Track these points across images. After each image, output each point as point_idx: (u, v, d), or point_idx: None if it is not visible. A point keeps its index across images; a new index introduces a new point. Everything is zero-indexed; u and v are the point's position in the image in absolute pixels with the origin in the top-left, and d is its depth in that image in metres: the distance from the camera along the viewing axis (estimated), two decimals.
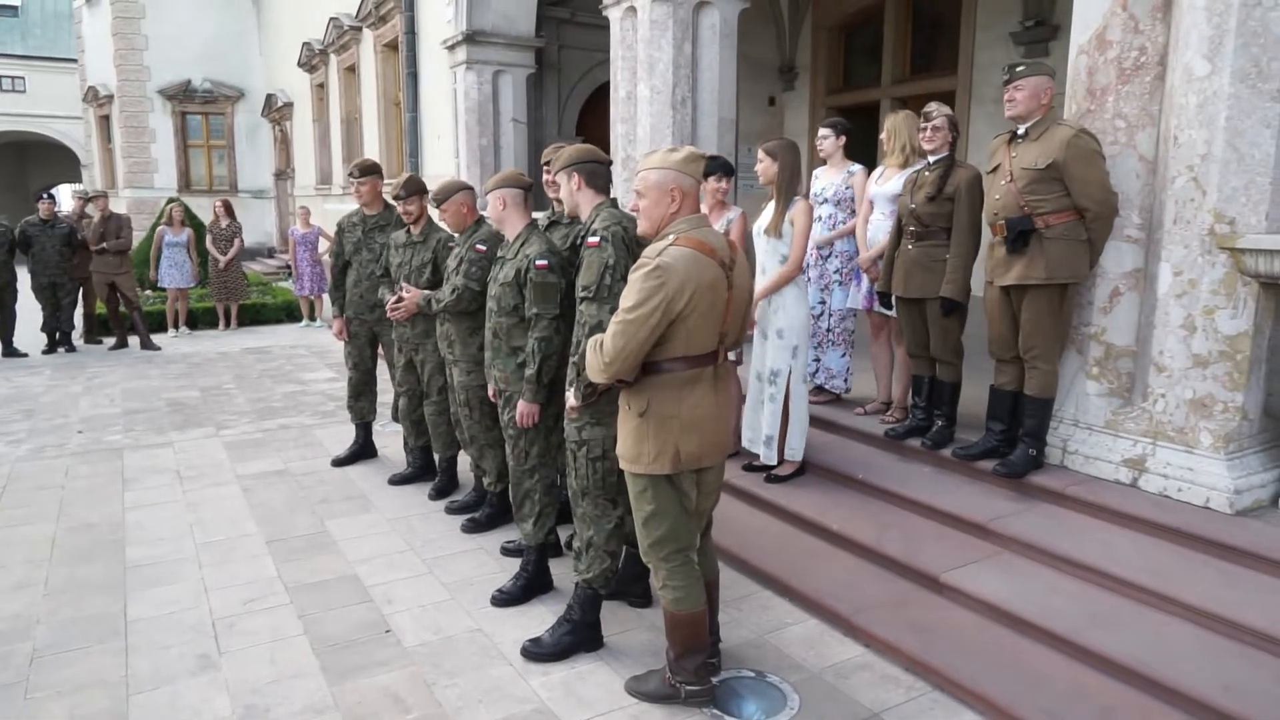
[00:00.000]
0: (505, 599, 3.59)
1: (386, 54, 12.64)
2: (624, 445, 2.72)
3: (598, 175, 3.20)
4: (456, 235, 4.31)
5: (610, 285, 2.95)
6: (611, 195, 3.27)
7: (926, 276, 4.02)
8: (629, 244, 3.04)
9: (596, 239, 3.00)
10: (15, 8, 32.18)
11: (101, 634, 3.39)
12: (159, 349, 9.60)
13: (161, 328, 10.67)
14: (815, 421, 4.53)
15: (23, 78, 31.23)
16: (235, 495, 4.90)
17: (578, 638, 3.20)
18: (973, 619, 3.17)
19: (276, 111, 18.68)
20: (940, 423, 4.18)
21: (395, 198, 4.67)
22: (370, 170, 5.21)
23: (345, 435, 5.79)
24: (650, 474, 2.66)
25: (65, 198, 33.89)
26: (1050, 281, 3.52)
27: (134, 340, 9.74)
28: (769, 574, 3.68)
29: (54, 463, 5.57)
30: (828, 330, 4.83)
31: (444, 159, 10.23)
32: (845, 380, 4.96)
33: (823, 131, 4.83)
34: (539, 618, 3.47)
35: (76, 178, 31.49)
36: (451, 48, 9.71)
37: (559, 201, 3.80)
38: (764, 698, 2.90)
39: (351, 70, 14.21)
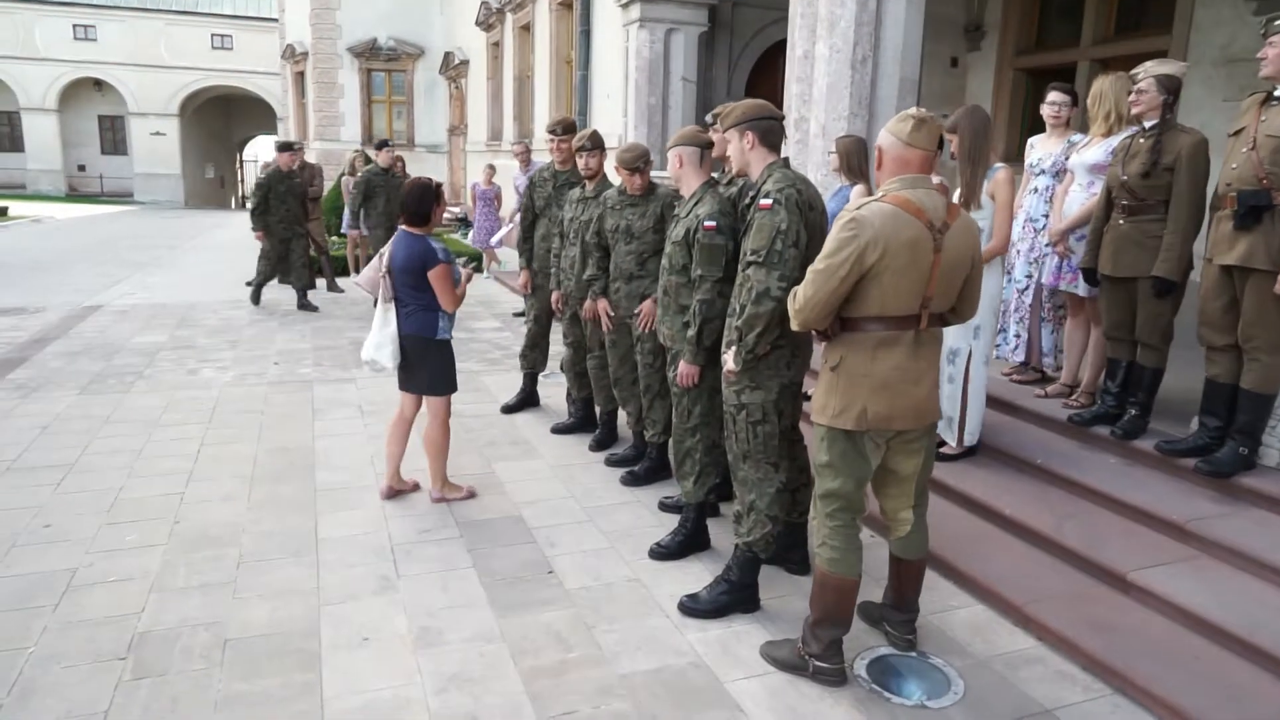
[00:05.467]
0: (663, 553, 3.64)
1: (561, 12, 12.83)
2: (815, 395, 2.72)
3: (772, 133, 3.10)
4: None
5: (781, 251, 2.88)
6: (783, 155, 3.17)
7: (1139, 254, 3.68)
8: (803, 208, 2.95)
9: (769, 201, 2.92)
10: None
11: (296, 548, 3.71)
12: (342, 291, 10.29)
13: (344, 272, 11.43)
14: (991, 402, 4.30)
15: (230, 36, 33.89)
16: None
17: (734, 598, 3.21)
18: (1162, 623, 2.94)
19: (453, 69, 19.42)
20: (1134, 411, 3.87)
21: (579, 149, 4.74)
22: (571, 129, 5.30)
23: (509, 382, 6.03)
24: (831, 426, 2.63)
25: (264, 148, 36.70)
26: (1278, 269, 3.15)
27: (321, 282, 10.48)
28: (934, 554, 3.53)
29: (254, 390, 6.11)
30: (1033, 306, 4.57)
31: (613, 117, 10.32)
32: (1052, 358, 4.70)
33: (1055, 97, 4.45)
34: (695, 574, 3.50)
35: (273, 130, 34.06)
36: (625, 5, 9.73)
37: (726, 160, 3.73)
38: (926, 679, 2.82)
39: (526, 29, 14.53)
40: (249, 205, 9.50)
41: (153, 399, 5.81)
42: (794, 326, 2.68)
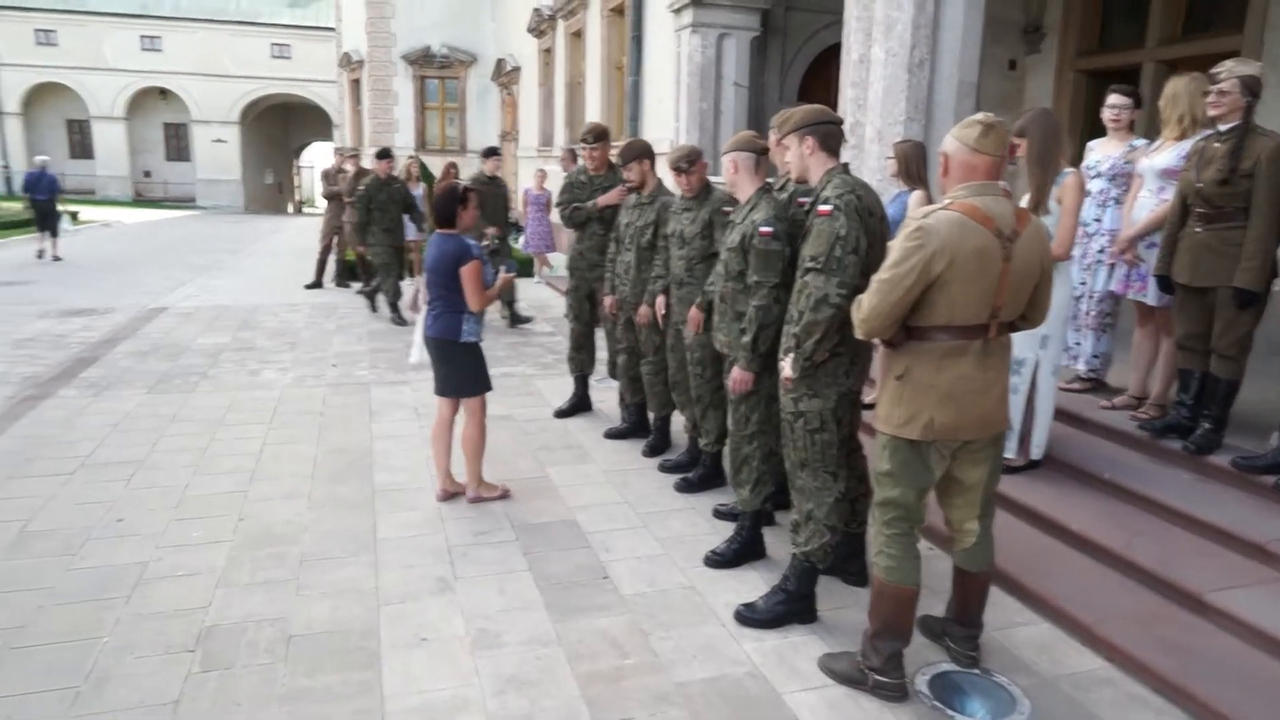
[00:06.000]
0: (718, 560, 3.62)
1: (612, 18, 12.89)
2: (879, 404, 2.68)
3: (832, 138, 3.08)
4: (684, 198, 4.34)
5: (840, 258, 2.85)
6: (842, 160, 3.14)
7: (1219, 262, 3.55)
8: (862, 214, 2.91)
9: (829, 207, 2.89)
10: None
11: (355, 548, 3.77)
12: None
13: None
14: (1056, 412, 4.19)
15: (289, 45, 34.78)
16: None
17: (791, 608, 3.18)
18: (1242, 648, 2.83)
19: (505, 76, 19.62)
20: (1207, 425, 3.74)
21: (623, 164, 4.79)
22: (602, 136, 5.39)
23: (561, 386, 6.06)
24: (895, 435, 2.59)
25: (320, 155, 37.52)
26: None
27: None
28: (998, 569, 3.43)
29: (313, 391, 6.23)
30: (1086, 313, 4.45)
31: (664, 123, 10.32)
32: (1099, 367, 4.57)
33: (1115, 100, 4.35)
34: (751, 582, 3.48)
35: (328, 136, 34.85)
36: (678, 11, 9.73)
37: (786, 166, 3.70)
38: (990, 697, 2.75)
39: (577, 35, 14.62)
40: (354, 219, 9.09)
41: (217, 399, 5.96)
42: (858, 335, 2.65)
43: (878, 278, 2.51)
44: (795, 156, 3.15)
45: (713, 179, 4.56)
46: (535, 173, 12.11)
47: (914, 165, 4.94)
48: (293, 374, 6.71)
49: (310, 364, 7.04)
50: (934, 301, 2.47)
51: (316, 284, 11.05)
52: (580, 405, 5.73)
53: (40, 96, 33.73)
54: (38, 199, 14.01)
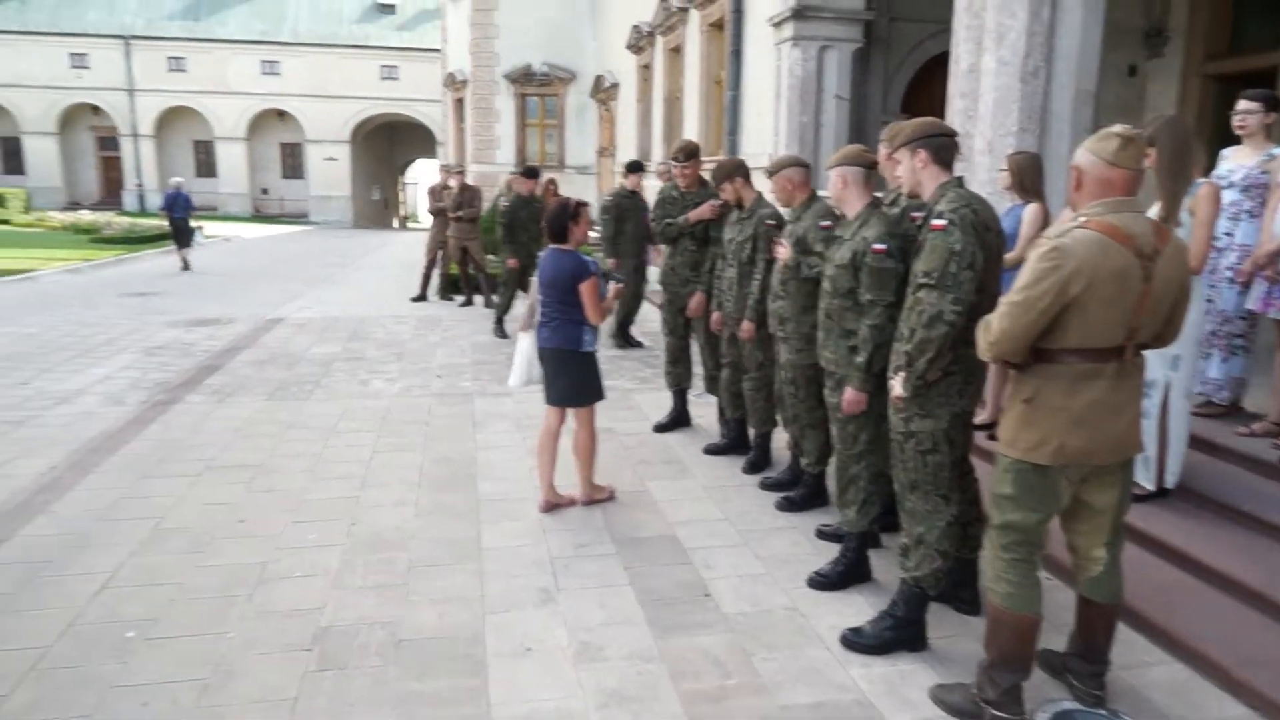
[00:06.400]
0: (823, 582, 3.55)
1: (711, 33, 12.92)
2: (1004, 426, 2.58)
3: (945, 151, 3.00)
4: (785, 210, 4.30)
5: (955, 274, 2.76)
6: (956, 174, 3.05)
7: None
8: (979, 229, 2.81)
9: (943, 222, 2.81)
10: (393, 5, 37.31)
11: (461, 556, 3.85)
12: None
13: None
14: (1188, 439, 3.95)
15: (397, 66, 36.29)
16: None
17: (900, 635, 3.08)
18: None
19: (603, 92, 19.92)
20: None
21: (718, 184, 4.87)
22: (693, 154, 5.46)
23: (661, 401, 6.07)
24: (1022, 459, 2.48)
25: (424, 171, 38.92)
26: None
27: (478, 299, 10.94)
28: (1125, 603, 3.27)
29: (419, 401, 6.43)
30: (1211, 334, 4.19)
31: (763, 137, 10.27)
32: (1227, 391, 4.29)
33: (1243, 105, 4.11)
34: (856, 606, 3.39)
35: (432, 154, 36.14)
36: (778, 24, 9.68)
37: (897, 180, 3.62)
38: None
39: (676, 51, 14.72)
40: (503, 236, 8.92)
41: (330, 406, 6.21)
42: (985, 358, 2.55)
43: (1009, 300, 2.40)
44: (907, 170, 3.08)
45: (820, 192, 4.50)
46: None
47: (1029, 178, 4.76)
48: (400, 384, 6.94)
49: (416, 374, 7.27)
50: (1067, 324, 2.36)
51: (421, 297, 11.42)
52: (679, 420, 5.73)
53: (170, 119, 36.21)
54: (175, 216, 15.29)
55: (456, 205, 10.51)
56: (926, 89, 10.05)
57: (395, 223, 41.83)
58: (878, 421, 3.36)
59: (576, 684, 2.90)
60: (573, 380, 4.24)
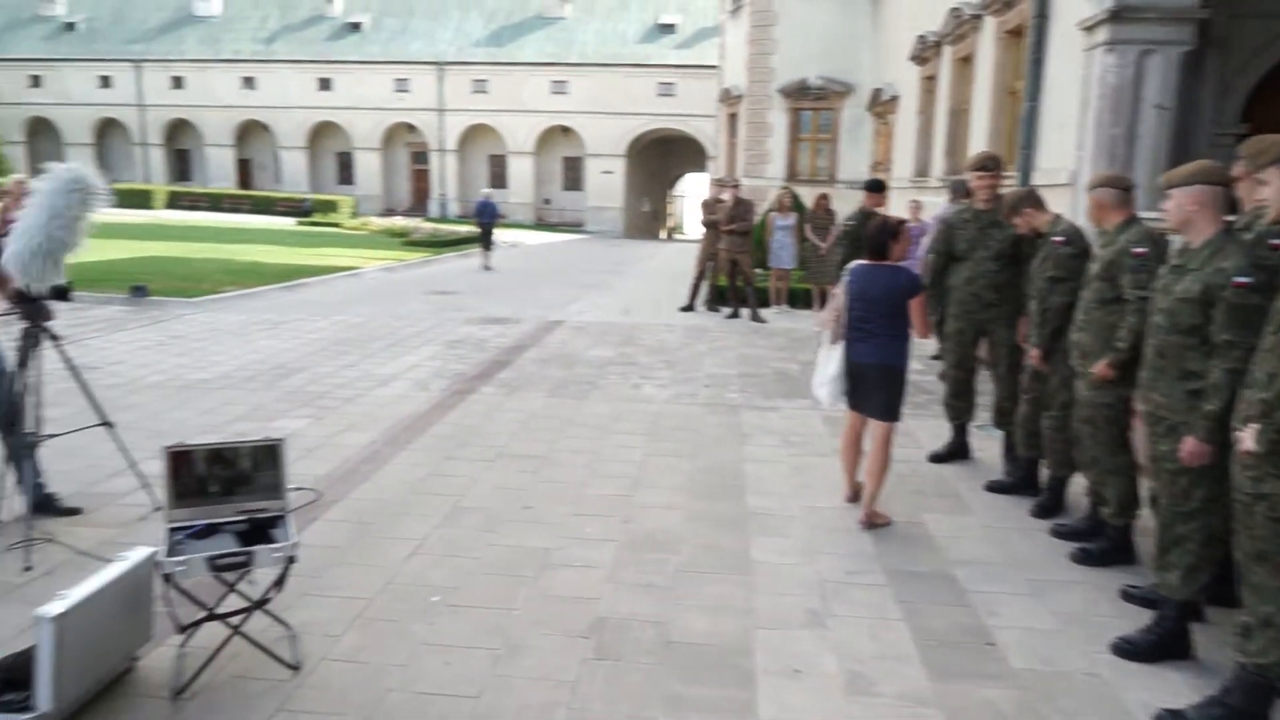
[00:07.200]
0: (1130, 650, 3.15)
1: (1007, 41, 12.09)
2: None
3: None
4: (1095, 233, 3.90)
5: None
6: None
7: None
8: None
9: None
10: (674, 25, 38.93)
11: (729, 567, 3.88)
12: (765, 322, 10.73)
13: (764, 303, 11.92)
14: None
15: (674, 83, 37.86)
16: (834, 467, 5.17)
17: None
18: None
19: (880, 105, 19.35)
20: None
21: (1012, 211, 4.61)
22: (992, 165, 5.09)
23: (934, 428, 5.76)
24: None
25: (694, 185, 40.18)
26: None
27: (745, 312, 11.05)
28: None
29: (687, 409, 6.59)
30: None
31: (1063, 151, 9.42)
32: None
33: None
34: (1171, 684, 2.98)
35: (702, 168, 37.19)
36: (1090, 28, 8.82)
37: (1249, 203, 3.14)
38: None
39: (965, 60, 13.94)
40: (840, 254, 8.41)
41: (604, 407, 6.55)
42: None
43: None
44: (1274, 192, 2.67)
45: (1144, 215, 4.04)
46: (909, 203, 11.74)
47: None
48: (669, 391, 7.16)
49: (684, 382, 7.47)
50: None
51: (689, 307, 11.74)
52: (957, 452, 5.38)
53: (471, 136, 40.50)
54: (483, 222, 17.85)
55: (730, 218, 10.68)
56: (1276, 97, 8.70)
57: (663, 234, 43.49)
58: (1219, 478, 2.92)
59: (847, 715, 2.80)
60: (892, 395, 4.31)
